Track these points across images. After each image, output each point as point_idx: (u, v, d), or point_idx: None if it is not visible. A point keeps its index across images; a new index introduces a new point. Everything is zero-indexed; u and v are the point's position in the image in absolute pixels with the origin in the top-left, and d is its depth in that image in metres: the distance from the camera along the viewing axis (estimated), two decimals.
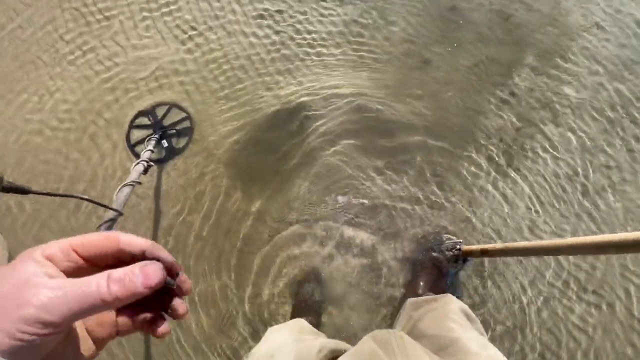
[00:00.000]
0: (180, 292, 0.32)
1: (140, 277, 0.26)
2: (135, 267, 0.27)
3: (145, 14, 2.14)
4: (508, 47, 2.11)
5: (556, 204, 1.84)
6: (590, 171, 1.89)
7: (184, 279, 0.33)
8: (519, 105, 2.00)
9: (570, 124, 1.97)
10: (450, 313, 1.00)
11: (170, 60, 2.04)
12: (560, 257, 1.76)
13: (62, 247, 0.27)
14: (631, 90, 2.04)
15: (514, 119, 1.97)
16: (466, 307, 1.09)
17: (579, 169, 1.89)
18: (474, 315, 1.07)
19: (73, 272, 0.27)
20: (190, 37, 2.10)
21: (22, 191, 0.62)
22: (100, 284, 0.25)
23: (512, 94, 2.01)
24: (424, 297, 1.26)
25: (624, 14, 2.20)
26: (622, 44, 2.13)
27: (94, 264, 0.29)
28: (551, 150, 1.92)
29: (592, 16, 2.19)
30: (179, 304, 0.32)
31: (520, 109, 1.99)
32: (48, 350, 0.25)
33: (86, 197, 0.87)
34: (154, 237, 1.79)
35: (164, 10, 2.14)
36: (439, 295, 1.21)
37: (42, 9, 2.14)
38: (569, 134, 1.95)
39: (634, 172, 1.89)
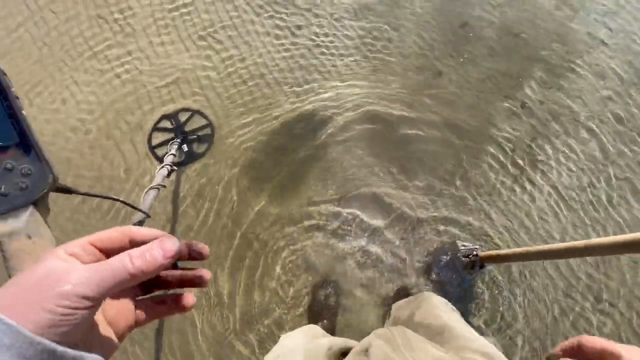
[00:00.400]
0: (200, 257, 0.34)
1: (159, 250, 0.29)
2: (153, 243, 0.30)
3: (168, 21, 2.27)
4: (518, 61, 2.22)
5: (569, 214, 1.90)
6: (602, 182, 1.96)
7: (201, 246, 0.35)
8: (531, 117, 2.09)
9: (580, 136, 2.05)
10: (437, 303, 1.09)
11: (192, 69, 2.15)
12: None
13: (82, 244, 0.30)
14: (636, 105, 2.14)
15: (526, 131, 2.05)
16: (446, 300, 1.17)
17: (591, 180, 1.96)
18: (454, 307, 1.15)
19: None
20: (212, 48, 2.22)
21: (69, 191, 0.69)
22: (124, 259, 0.28)
23: (523, 106, 2.11)
24: (405, 299, 1.35)
25: (628, 32, 2.33)
26: (628, 61, 2.25)
27: (110, 256, 0.31)
28: (564, 162, 2.00)
29: (598, 34, 2.32)
30: (195, 273, 0.35)
31: (532, 120, 2.08)
32: (82, 330, 0.27)
33: (121, 199, 0.94)
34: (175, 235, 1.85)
35: (187, 21, 2.27)
36: (417, 294, 1.31)
37: (70, 18, 2.27)
38: (580, 147, 2.03)
39: None
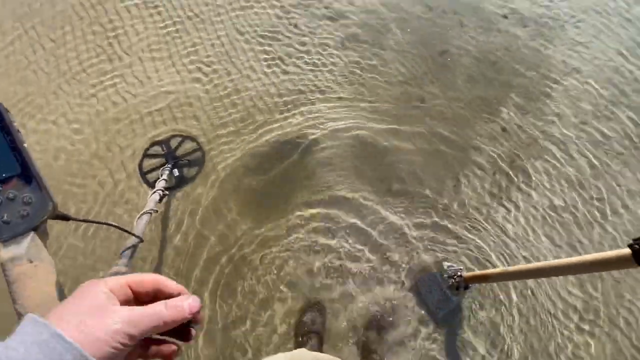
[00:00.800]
0: (195, 321, 0.40)
1: (187, 306, 0.36)
2: (183, 298, 0.37)
3: (162, 46, 2.39)
4: (496, 88, 2.38)
5: (550, 234, 1.99)
6: (581, 203, 2.06)
7: (202, 313, 0.42)
8: (510, 140, 2.22)
9: (559, 159, 2.17)
10: None
11: (185, 94, 2.26)
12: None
13: (120, 283, 0.35)
14: (612, 129, 2.28)
15: (506, 154, 2.17)
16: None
17: (571, 201, 2.06)
18: None
19: (123, 304, 0.35)
20: (205, 74, 2.34)
21: (67, 218, 0.73)
22: (162, 309, 0.34)
23: (504, 129, 2.24)
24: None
25: (602, 61, 2.52)
26: (602, 87, 2.41)
27: (137, 298, 0.38)
28: (543, 184, 2.11)
29: (572, 62, 2.50)
30: (192, 330, 0.41)
31: (512, 144, 2.20)
32: None
33: (115, 224, 0.98)
34: (162, 263, 1.88)
35: (181, 49, 2.40)
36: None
37: (67, 44, 2.39)
38: (559, 169, 2.15)
39: (624, 206, 2.07)
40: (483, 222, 1.99)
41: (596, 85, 2.41)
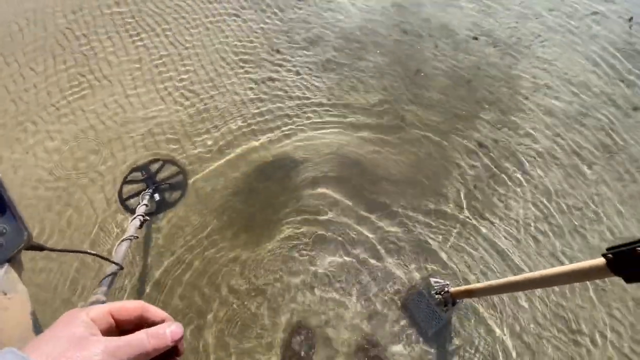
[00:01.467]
0: (178, 353, 0.40)
1: (169, 334, 0.36)
2: (165, 326, 0.37)
3: (145, 72, 2.45)
4: (471, 105, 2.51)
5: (532, 245, 2.05)
6: (559, 213, 2.14)
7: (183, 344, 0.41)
8: (488, 155, 2.32)
9: (536, 171, 2.28)
10: None
11: (167, 118, 2.30)
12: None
13: (102, 311, 0.35)
14: (586, 139, 2.42)
15: (485, 168, 2.26)
16: None
17: (550, 212, 2.14)
18: None
19: (105, 333, 0.35)
20: (187, 98, 2.39)
21: (42, 248, 0.73)
22: (143, 338, 0.34)
23: (481, 144, 2.35)
24: None
25: (569, 76, 2.69)
26: (570, 101, 2.57)
27: (120, 326, 0.37)
28: (523, 195, 2.19)
29: (542, 78, 2.66)
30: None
31: (489, 158, 2.30)
32: None
33: (93, 252, 0.97)
34: (142, 291, 1.84)
35: (163, 73, 2.47)
36: None
37: (48, 73, 2.42)
38: (537, 181, 2.25)
39: (604, 214, 2.16)
40: (466, 236, 2.05)
41: (566, 98, 2.57)
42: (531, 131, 2.42)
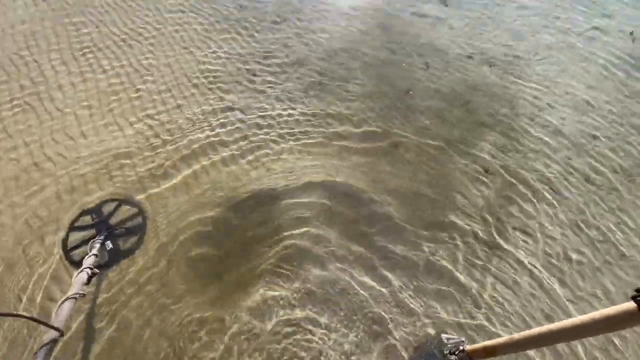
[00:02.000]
0: None
1: None
2: None
3: (102, 99, 2.23)
4: (471, 128, 2.32)
5: (556, 285, 1.78)
6: (584, 248, 1.89)
7: None
8: (495, 182, 2.09)
9: (550, 200, 2.05)
10: None
11: (126, 151, 2.05)
12: None
13: None
14: (599, 161, 2.23)
15: (493, 196, 2.03)
16: None
17: (571, 247, 1.89)
18: None
19: None
20: (150, 127, 2.16)
21: None
22: None
23: (487, 170, 2.13)
24: None
25: (572, 95, 2.56)
26: (578, 121, 2.41)
27: None
28: (541, 229, 1.94)
29: (543, 98, 2.52)
30: None
31: (497, 185, 2.08)
32: None
33: (28, 315, 0.81)
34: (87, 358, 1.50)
35: (124, 101, 2.25)
36: None
37: None
38: (553, 211, 2.01)
39: (630, 245, 1.92)
40: (482, 280, 1.77)
41: (572, 119, 2.42)
42: (539, 155, 2.22)
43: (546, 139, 2.29)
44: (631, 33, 2.93)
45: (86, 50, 2.44)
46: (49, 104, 2.19)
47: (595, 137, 2.34)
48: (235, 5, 2.91)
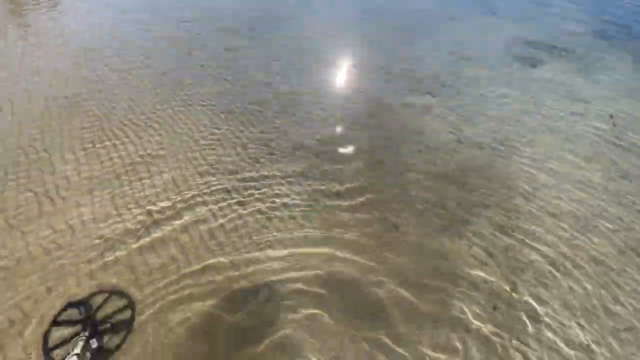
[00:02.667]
0: None
1: None
2: None
3: (105, 187, 2.31)
4: (470, 209, 2.36)
5: None
6: (604, 340, 1.79)
7: None
8: (501, 265, 2.07)
9: (562, 284, 2.00)
10: None
11: (121, 240, 2.06)
12: None
13: None
14: (607, 239, 2.23)
15: (501, 282, 1.98)
16: None
17: (589, 337, 1.79)
18: None
19: None
20: (150, 214, 2.21)
21: None
22: None
23: (490, 254, 2.12)
24: None
25: (566, 175, 2.68)
26: (576, 200, 2.48)
27: None
28: (556, 318, 1.85)
29: (537, 179, 2.63)
30: None
31: (503, 270, 2.04)
32: None
33: None
34: None
35: (127, 189, 2.34)
36: None
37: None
38: (569, 295, 1.94)
39: None
40: None
41: (569, 198, 2.49)
42: (542, 236, 2.23)
43: (546, 218, 2.33)
44: (611, 116, 3.20)
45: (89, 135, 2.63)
46: (53, 192, 2.27)
47: (596, 216, 2.38)
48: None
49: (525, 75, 3.92)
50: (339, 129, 2.99)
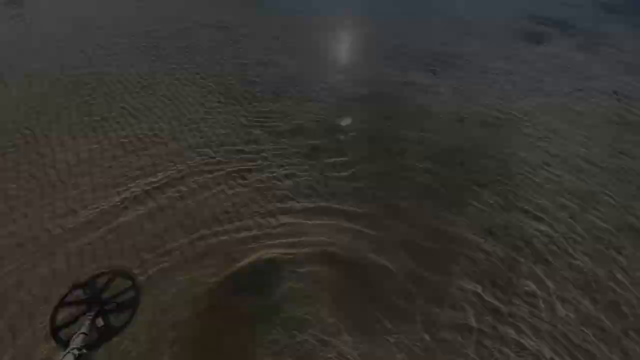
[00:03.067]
0: None
1: None
2: None
3: (105, 169, 2.34)
4: (469, 188, 2.36)
5: (576, 354, 1.71)
6: (594, 311, 1.84)
7: None
8: (500, 241, 2.10)
9: (556, 261, 2.03)
10: None
11: (125, 222, 2.09)
12: None
13: None
14: (605, 219, 2.26)
15: (501, 258, 2.02)
16: None
17: (590, 313, 1.84)
18: None
19: None
20: (152, 197, 2.24)
21: None
22: None
23: (490, 232, 2.16)
24: None
25: (568, 153, 2.69)
26: (575, 178, 2.50)
27: None
28: (554, 292, 1.90)
29: (539, 156, 2.64)
30: None
31: (502, 247, 2.07)
32: None
33: None
34: None
35: (127, 170, 2.37)
36: None
37: None
38: (565, 273, 1.99)
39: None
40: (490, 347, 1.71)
41: (570, 176, 2.51)
42: (542, 214, 2.26)
43: (546, 196, 2.36)
44: (615, 92, 3.18)
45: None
46: (54, 176, 2.29)
47: (594, 193, 2.41)
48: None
49: (530, 52, 3.86)
50: (336, 113, 2.97)
